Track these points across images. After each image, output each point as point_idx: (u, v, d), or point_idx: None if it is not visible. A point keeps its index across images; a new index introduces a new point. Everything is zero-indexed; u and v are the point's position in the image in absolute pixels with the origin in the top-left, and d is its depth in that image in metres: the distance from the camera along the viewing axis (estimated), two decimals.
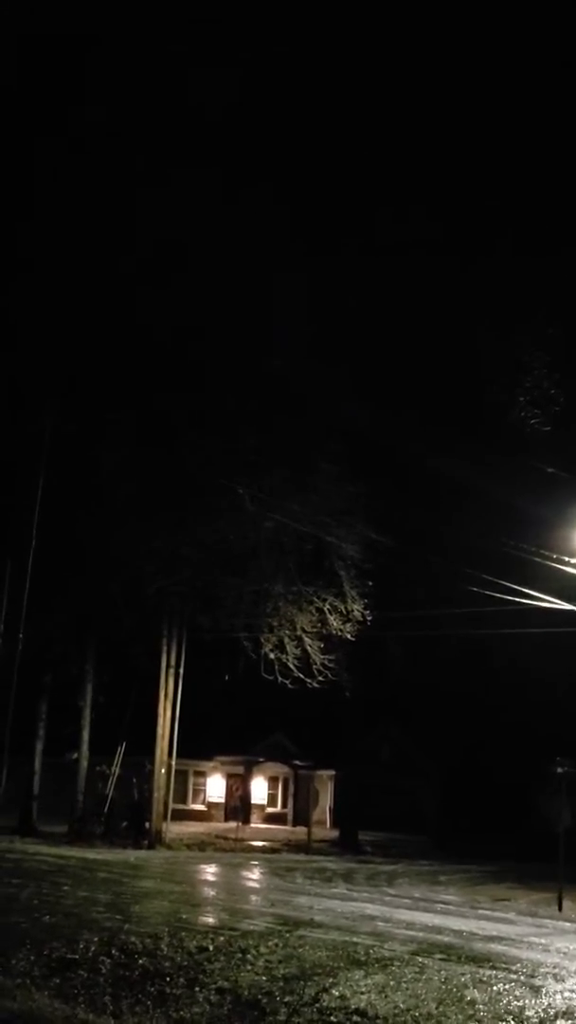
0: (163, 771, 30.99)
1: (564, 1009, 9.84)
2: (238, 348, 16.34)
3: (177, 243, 13.50)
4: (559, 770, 23.15)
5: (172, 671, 31.09)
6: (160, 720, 30.91)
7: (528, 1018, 9.35)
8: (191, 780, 43.39)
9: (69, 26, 11.58)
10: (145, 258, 13.34)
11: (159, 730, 30.87)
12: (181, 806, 39.58)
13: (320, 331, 17.35)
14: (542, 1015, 9.53)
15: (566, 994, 10.62)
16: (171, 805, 32.34)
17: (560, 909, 20.71)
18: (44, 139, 12.32)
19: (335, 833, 39.44)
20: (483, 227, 16.91)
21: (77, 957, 10.48)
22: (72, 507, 18.45)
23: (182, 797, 40.90)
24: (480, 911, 19.03)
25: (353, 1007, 9.20)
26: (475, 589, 22.15)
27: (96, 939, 11.59)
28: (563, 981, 11.45)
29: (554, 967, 12.56)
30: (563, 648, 26.57)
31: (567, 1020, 9.43)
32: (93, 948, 11.03)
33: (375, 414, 20.95)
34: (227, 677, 28.58)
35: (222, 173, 13.15)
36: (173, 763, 31.57)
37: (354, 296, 17.12)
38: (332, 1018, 8.75)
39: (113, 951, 10.97)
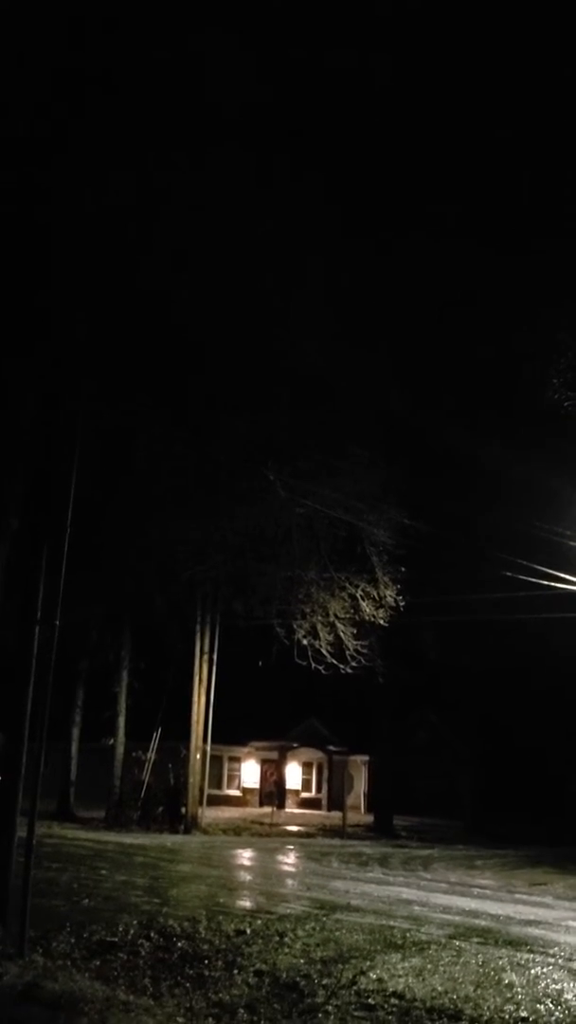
0: (198, 757, 31.19)
1: None
2: (268, 332, 16.27)
3: (207, 227, 13.45)
4: None
5: (206, 657, 31.28)
6: (195, 706, 31.12)
7: (567, 1001, 9.32)
8: (226, 766, 43.63)
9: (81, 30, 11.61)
10: (175, 243, 13.31)
11: (194, 716, 31.08)
12: (216, 791, 39.84)
13: (350, 314, 17.25)
14: None
15: None
16: (206, 790, 32.56)
17: None
18: (69, 131, 12.31)
19: (370, 818, 39.51)
20: (515, 207, 16.73)
21: (116, 940, 10.62)
22: (105, 493, 18.52)
23: (217, 782, 41.16)
24: (517, 895, 18.99)
25: (391, 990, 9.23)
26: (509, 574, 22.02)
27: (135, 922, 11.73)
28: None
29: None
30: None
31: None
32: (132, 931, 11.16)
33: (406, 397, 20.83)
34: (260, 663, 28.64)
35: (251, 155, 13.06)
36: (208, 749, 31.76)
37: (385, 278, 17.01)
38: (370, 1000, 8.79)
39: (152, 934, 11.10)
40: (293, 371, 17.70)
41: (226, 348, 16.14)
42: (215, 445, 19.17)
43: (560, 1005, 9.14)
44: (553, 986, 9.98)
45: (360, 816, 41.86)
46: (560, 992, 9.71)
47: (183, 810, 30.56)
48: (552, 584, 22.01)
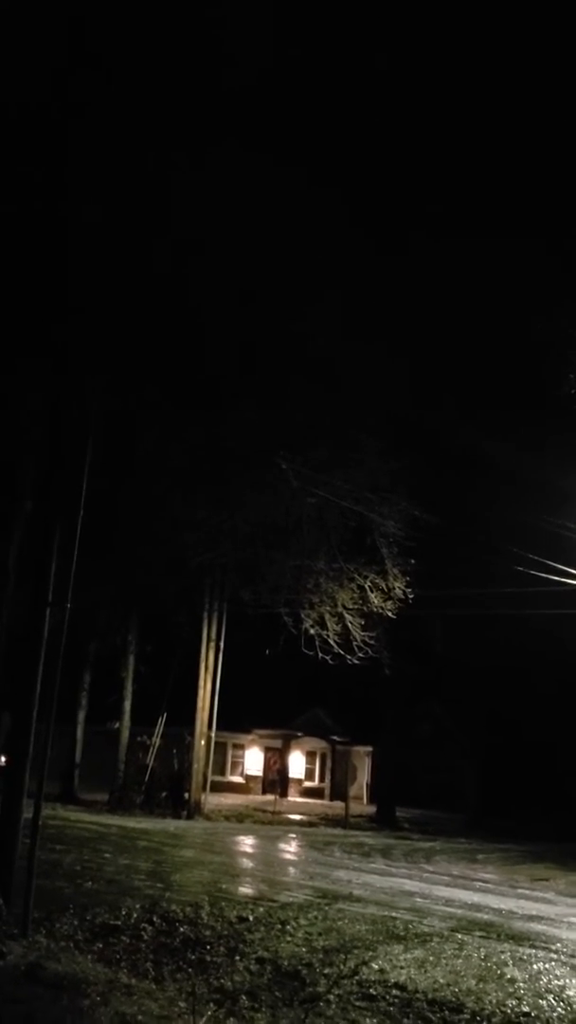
0: (202, 743, 31.25)
1: None
2: (280, 323, 16.23)
3: (219, 219, 13.41)
4: None
5: (213, 644, 31.30)
6: (200, 692, 31.16)
7: (569, 997, 9.32)
8: (230, 752, 43.72)
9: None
10: (188, 234, 13.29)
11: (199, 702, 31.13)
12: (219, 778, 39.92)
13: (362, 307, 17.17)
14: None
15: None
16: (210, 777, 32.62)
17: None
18: (78, 117, 12.29)
19: (372, 809, 39.55)
20: (527, 201, 16.63)
21: (119, 923, 10.65)
22: (116, 478, 18.53)
23: (221, 769, 41.24)
24: (519, 890, 18.99)
25: (392, 981, 9.24)
26: (520, 568, 21.94)
27: (138, 906, 11.76)
28: None
29: None
30: None
31: None
32: (135, 915, 11.19)
33: (419, 391, 20.73)
34: (267, 651, 28.66)
35: (253, 155, 13.01)
36: (212, 735, 31.82)
37: (395, 272, 16.93)
38: (372, 991, 8.80)
39: (154, 918, 11.13)
40: (305, 362, 17.64)
41: (238, 338, 16.10)
42: (227, 434, 19.14)
43: (562, 1001, 9.14)
44: (555, 982, 9.98)
45: (362, 807, 41.91)
46: (562, 988, 9.70)
47: (186, 795, 30.64)
48: (562, 580, 21.94)
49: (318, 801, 43.44)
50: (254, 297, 15.17)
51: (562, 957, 11.45)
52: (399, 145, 14.81)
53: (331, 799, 44.20)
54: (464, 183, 16.06)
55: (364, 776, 48.10)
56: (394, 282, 17.13)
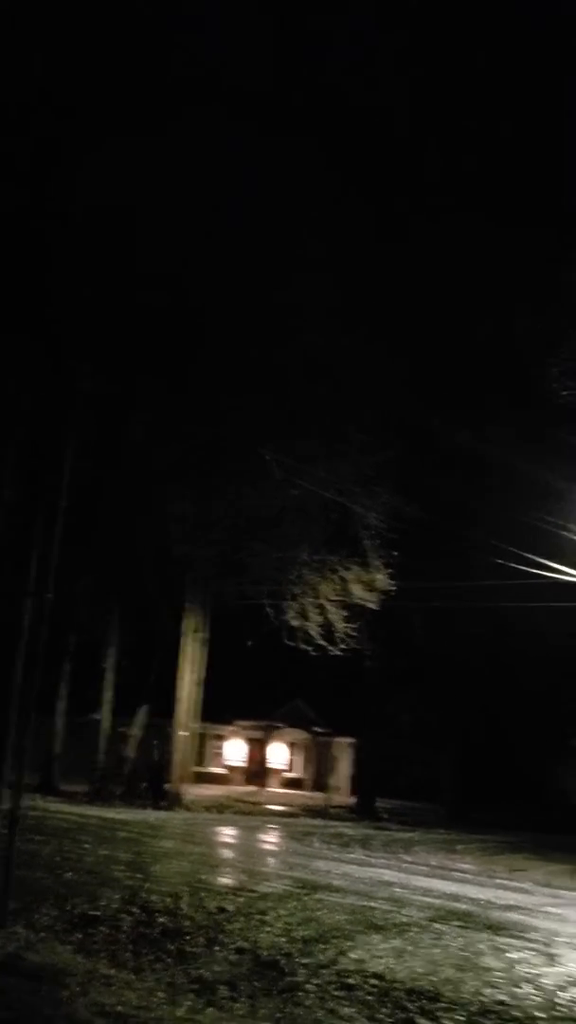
0: (183, 734, 31.26)
1: None
2: (277, 320, 16.23)
3: (219, 217, 13.39)
4: None
5: (194, 636, 31.29)
6: (181, 683, 31.16)
7: (544, 986, 9.40)
8: (210, 743, 43.76)
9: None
10: (187, 231, 13.26)
11: (180, 693, 31.13)
12: (200, 769, 39.95)
13: (354, 301, 17.19)
14: (558, 983, 9.60)
15: None
16: (191, 768, 32.63)
17: None
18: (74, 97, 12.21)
19: (352, 800, 39.71)
20: (519, 197, 16.70)
21: (99, 914, 10.62)
22: (101, 469, 18.49)
23: (201, 760, 41.26)
24: (497, 880, 19.12)
25: (371, 970, 9.28)
26: (500, 561, 22.03)
27: (117, 897, 11.75)
28: None
29: (570, 936, 12.64)
30: None
31: None
32: (114, 905, 11.18)
33: (405, 385, 20.78)
34: (249, 643, 28.68)
35: (256, 146, 12.97)
36: (194, 726, 31.83)
37: (389, 267, 16.96)
38: (350, 980, 8.83)
39: (134, 909, 11.12)
40: (302, 359, 17.65)
41: (235, 335, 16.09)
42: (224, 433, 19.15)
43: (538, 989, 9.21)
44: (532, 971, 10.07)
45: (343, 798, 42.04)
46: (538, 976, 9.79)
47: (167, 786, 30.65)
48: (540, 573, 22.04)
49: (299, 792, 43.55)
50: (251, 292, 15.16)
51: (538, 946, 11.55)
52: (399, 146, 14.86)
53: (312, 790, 44.31)
54: (462, 183, 16.12)
55: (345, 767, 48.24)
56: (386, 277, 17.18)
